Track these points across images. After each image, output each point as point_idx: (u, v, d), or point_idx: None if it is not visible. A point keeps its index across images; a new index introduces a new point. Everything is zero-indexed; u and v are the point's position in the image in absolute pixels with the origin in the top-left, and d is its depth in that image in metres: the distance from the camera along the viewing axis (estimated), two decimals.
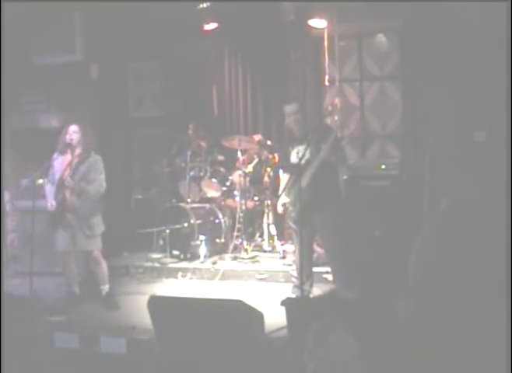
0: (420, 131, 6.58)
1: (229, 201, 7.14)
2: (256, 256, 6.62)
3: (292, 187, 5.15)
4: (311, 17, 6.83)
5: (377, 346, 3.03)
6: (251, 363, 3.37)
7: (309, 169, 5.05)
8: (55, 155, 5.58)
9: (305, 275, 5.18)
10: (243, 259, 6.54)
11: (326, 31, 6.98)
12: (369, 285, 5.17)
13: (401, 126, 7.19)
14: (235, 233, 6.86)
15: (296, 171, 5.10)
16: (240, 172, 6.88)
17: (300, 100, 5.61)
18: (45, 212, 5.58)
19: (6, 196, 7.28)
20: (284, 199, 5.32)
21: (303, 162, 5.02)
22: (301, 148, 5.12)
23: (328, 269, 5.99)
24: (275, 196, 7.06)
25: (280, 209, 5.50)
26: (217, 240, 6.89)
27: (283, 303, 3.51)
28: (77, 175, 5.39)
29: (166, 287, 6.15)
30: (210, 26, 7.16)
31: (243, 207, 6.78)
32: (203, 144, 7.28)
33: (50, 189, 5.54)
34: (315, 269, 6.00)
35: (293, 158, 5.24)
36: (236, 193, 6.96)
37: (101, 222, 5.57)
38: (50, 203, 5.46)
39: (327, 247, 5.37)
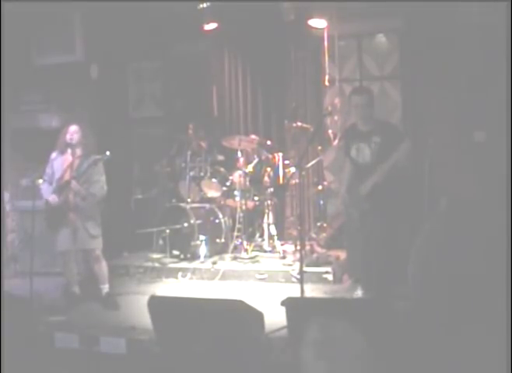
0: (420, 131, 6.57)
1: (230, 201, 7.13)
2: (256, 256, 6.61)
3: (353, 185, 5.07)
4: (311, 17, 6.82)
5: (378, 345, 3.03)
6: (251, 363, 3.37)
7: (371, 176, 4.89)
8: (54, 155, 5.57)
9: (379, 276, 5.00)
10: (243, 259, 6.53)
11: (326, 31, 6.97)
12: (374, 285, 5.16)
13: (401, 126, 7.17)
14: (235, 233, 6.85)
15: (355, 167, 5.04)
16: (240, 172, 6.88)
17: (371, 94, 5.19)
18: (45, 211, 5.53)
19: (6, 196, 7.26)
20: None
21: (362, 161, 4.95)
22: (362, 145, 4.97)
23: (328, 269, 6.02)
24: (275, 196, 7.09)
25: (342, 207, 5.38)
26: (217, 240, 6.88)
27: (283, 303, 3.51)
28: (80, 177, 5.36)
29: (166, 287, 6.15)
30: (210, 26, 7.15)
31: (243, 207, 6.78)
32: (203, 144, 7.28)
33: (47, 189, 5.52)
34: (315, 269, 6.02)
35: (353, 154, 5.05)
36: (236, 193, 6.95)
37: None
38: (52, 197, 5.41)
39: (372, 251, 5.10)
